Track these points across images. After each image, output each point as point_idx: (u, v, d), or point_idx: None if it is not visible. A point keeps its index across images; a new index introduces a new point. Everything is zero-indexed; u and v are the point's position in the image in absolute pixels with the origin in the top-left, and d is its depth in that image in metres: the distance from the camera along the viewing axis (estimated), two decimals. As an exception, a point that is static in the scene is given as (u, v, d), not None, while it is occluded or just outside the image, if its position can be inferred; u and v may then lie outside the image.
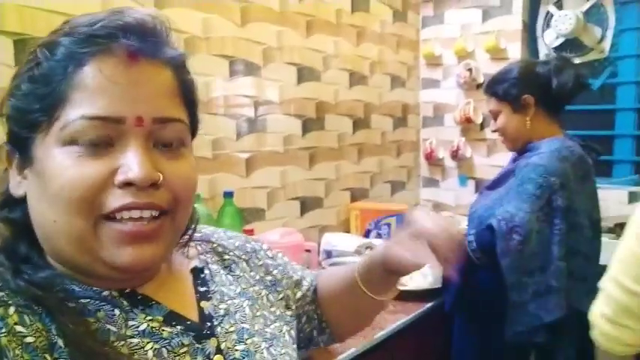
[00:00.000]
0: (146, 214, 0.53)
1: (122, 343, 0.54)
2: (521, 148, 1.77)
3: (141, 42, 0.53)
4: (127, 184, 0.52)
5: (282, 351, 0.69)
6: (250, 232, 1.65)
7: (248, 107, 1.99)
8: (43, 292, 0.52)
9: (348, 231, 2.48)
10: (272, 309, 0.74)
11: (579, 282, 1.64)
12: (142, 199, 0.52)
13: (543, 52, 2.71)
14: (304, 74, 2.24)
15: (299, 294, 0.83)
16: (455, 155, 2.88)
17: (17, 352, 0.48)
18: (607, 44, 2.60)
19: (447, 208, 2.98)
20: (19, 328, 0.49)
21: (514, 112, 1.75)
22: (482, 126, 2.83)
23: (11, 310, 0.50)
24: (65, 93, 0.51)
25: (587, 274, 1.68)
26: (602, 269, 1.75)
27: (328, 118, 2.39)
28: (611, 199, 2.47)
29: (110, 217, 0.52)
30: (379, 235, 2.40)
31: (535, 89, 1.72)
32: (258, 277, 0.76)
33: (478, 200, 1.87)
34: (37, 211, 0.54)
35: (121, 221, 0.52)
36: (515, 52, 2.71)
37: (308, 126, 2.28)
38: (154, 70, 0.55)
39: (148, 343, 0.55)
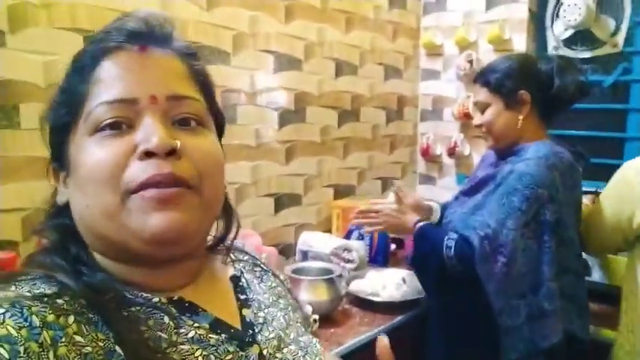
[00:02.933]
0: (167, 180, 0.55)
1: (174, 349, 0.55)
2: (504, 148, 1.59)
3: (150, 35, 0.59)
4: (148, 155, 0.54)
5: (316, 359, 0.70)
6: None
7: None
8: (101, 296, 0.54)
9: (329, 231, 2.34)
10: (298, 324, 0.75)
11: (569, 302, 1.49)
12: (164, 170, 0.54)
13: (552, 45, 2.50)
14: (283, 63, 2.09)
15: None
16: (452, 152, 2.70)
17: None
18: (621, 38, 2.36)
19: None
20: (77, 338, 0.50)
21: (506, 108, 1.56)
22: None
23: (70, 319, 0.51)
24: (85, 91, 0.57)
25: (576, 292, 1.52)
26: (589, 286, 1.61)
27: (310, 110, 2.24)
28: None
29: (134, 190, 0.54)
30: (361, 237, 2.25)
31: (533, 86, 1.54)
32: (284, 293, 0.78)
33: (452, 206, 1.70)
34: (75, 206, 0.58)
35: (146, 191, 0.54)
36: (520, 43, 2.50)
37: (285, 118, 2.13)
38: (163, 58, 0.59)
39: (197, 349, 0.56)
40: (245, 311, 0.66)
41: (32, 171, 1.37)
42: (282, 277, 0.81)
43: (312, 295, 1.65)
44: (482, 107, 1.60)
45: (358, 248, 2.12)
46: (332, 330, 1.63)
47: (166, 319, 0.57)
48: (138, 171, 0.54)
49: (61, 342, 0.49)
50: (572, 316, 1.49)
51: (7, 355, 0.45)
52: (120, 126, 0.55)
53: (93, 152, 0.55)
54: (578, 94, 1.54)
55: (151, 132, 0.55)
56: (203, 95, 0.62)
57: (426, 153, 2.83)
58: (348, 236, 2.26)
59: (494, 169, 1.61)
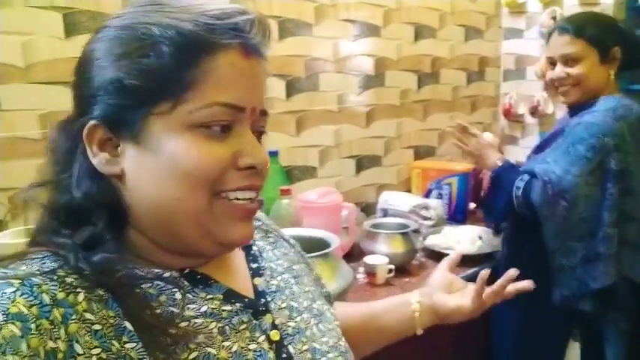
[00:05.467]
0: (253, 195, 0.59)
1: (187, 324, 0.56)
2: (580, 104, 1.61)
3: (255, 40, 0.57)
4: (248, 167, 0.57)
5: (330, 326, 0.72)
6: (287, 192, 1.70)
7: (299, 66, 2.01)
8: (102, 275, 0.53)
9: (409, 190, 2.45)
10: (312, 288, 0.77)
11: (632, 249, 1.54)
12: (257, 182, 0.59)
13: (642, -3, 2.40)
14: (366, 30, 2.20)
15: None
16: (535, 111, 2.69)
17: (87, 338, 0.50)
18: None
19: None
20: (87, 315, 0.51)
21: (600, 62, 1.58)
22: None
23: (80, 297, 0.51)
24: (194, 78, 0.54)
25: None
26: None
27: (389, 74, 2.33)
28: None
29: (223, 195, 0.57)
30: (440, 196, 2.35)
31: (626, 45, 1.58)
32: (296, 258, 0.79)
33: (525, 165, 1.76)
34: (149, 189, 0.56)
35: (235, 200, 0.57)
36: (608, -2, 2.43)
37: (365, 83, 2.25)
38: (260, 67, 0.59)
39: (211, 322, 0.58)
40: (257, 280, 0.67)
41: (15, 151, 1.39)
42: (292, 241, 0.83)
43: (388, 247, 1.79)
44: (575, 59, 1.59)
45: (436, 206, 2.22)
46: (407, 279, 1.77)
47: (178, 294, 0.57)
48: (236, 179, 0.57)
49: (72, 319, 0.49)
50: (633, 263, 1.54)
51: (19, 333, 0.46)
52: (225, 129, 0.56)
53: (199, 149, 0.54)
54: None
55: (255, 147, 0.58)
56: None
57: (509, 113, 2.83)
58: (427, 195, 2.37)
59: (563, 125, 1.66)
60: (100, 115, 0.55)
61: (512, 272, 0.89)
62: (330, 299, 0.85)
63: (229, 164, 0.56)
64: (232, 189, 0.57)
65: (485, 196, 1.77)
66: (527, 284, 0.90)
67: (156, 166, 0.55)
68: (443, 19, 2.54)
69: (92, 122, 0.55)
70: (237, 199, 0.57)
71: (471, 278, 1.80)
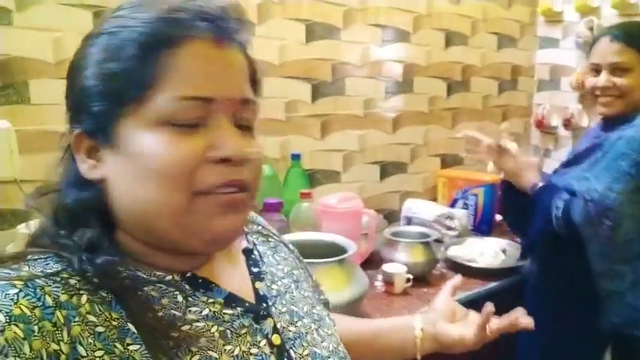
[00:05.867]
0: (235, 190, 0.57)
1: (189, 327, 0.56)
2: (619, 118, 1.54)
3: (226, 27, 0.56)
4: (223, 161, 0.55)
5: (329, 332, 0.72)
6: (307, 195, 1.69)
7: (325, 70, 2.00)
8: (105, 278, 0.53)
9: (435, 199, 2.41)
10: (311, 293, 0.77)
11: None
12: (237, 176, 0.56)
13: (686, 8, 2.31)
14: (395, 36, 2.18)
15: None
16: (569, 124, 2.62)
17: (90, 340, 0.49)
18: None
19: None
20: (90, 317, 0.50)
21: None
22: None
23: (83, 299, 0.51)
24: (157, 74, 0.53)
25: None
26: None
27: (417, 80, 2.30)
28: None
29: (204, 192, 0.54)
30: (465, 206, 2.30)
31: None
32: (295, 263, 0.80)
33: (557, 180, 1.69)
34: (126, 192, 0.55)
35: (216, 195, 0.55)
36: (649, 7, 2.35)
37: (393, 89, 2.23)
38: (235, 55, 0.58)
39: (212, 325, 0.58)
40: (258, 284, 0.67)
41: (44, 144, 1.40)
42: (291, 246, 0.83)
43: (408, 256, 1.76)
44: (624, 69, 1.52)
45: (461, 217, 2.18)
46: (425, 290, 1.73)
47: (180, 297, 0.57)
48: (213, 174, 0.54)
49: (75, 321, 0.49)
50: None
51: (22, 335, 0.45)
52: (193, 123, 0.54)
53: (164, 146, 0.53)
54: None
55: (231, 138, 0.55)
56: (254, 91, 0.62)
57: (541, 124, 2.76)
58: (452, 205, 2.32)
59: (598, 139, 1.58)
60: (82, 123, 0.56)
61: (520, 311, 0.90)
62: (328, 306, 0.85)
63: (201, 158, 0.54)
64: (211, 187, 0.54)
65: (507, 211, 1.71)
66: (530, 323, 0.88)
67: (129, 169, 0.54)
68: (475, 26, 2.49)
69: (76, 131, 0.57)
70: (217, 193, 0.55)
71: (493, 292, 1.79)
